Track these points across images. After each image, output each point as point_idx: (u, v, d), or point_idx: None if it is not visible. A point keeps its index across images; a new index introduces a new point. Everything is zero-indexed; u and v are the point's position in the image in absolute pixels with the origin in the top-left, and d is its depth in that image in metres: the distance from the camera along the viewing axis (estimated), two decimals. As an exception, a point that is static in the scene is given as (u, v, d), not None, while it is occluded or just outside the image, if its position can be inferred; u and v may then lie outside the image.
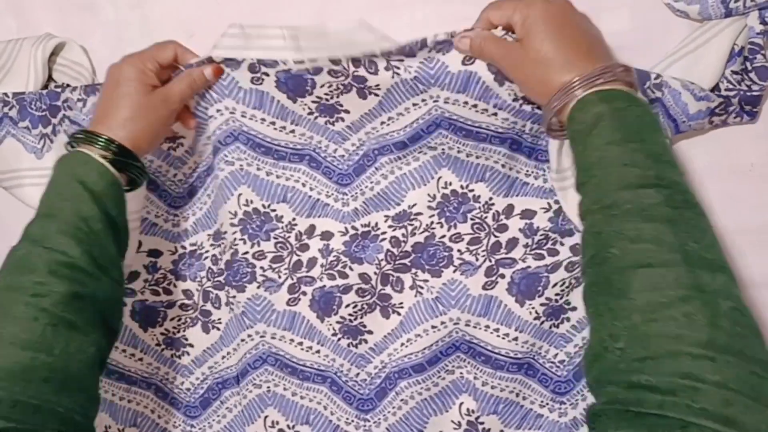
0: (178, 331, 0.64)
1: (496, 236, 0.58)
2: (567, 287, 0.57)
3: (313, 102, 0.58)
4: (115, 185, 0.50)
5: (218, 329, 0.63)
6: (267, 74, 0.57)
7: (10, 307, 0.43)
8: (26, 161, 0.63)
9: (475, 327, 0.58)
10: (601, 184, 0.42)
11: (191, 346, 0.64)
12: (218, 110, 0.59)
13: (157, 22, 0.66)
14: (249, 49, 0.56)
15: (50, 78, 0.65)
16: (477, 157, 0.58)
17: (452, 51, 0.55)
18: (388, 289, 0.60)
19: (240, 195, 0.60)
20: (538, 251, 0.58)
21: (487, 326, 0.59)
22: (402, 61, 0.55)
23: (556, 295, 0.57)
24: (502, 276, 0.58)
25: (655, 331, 0.36)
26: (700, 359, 0.34)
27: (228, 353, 0.63)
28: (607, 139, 0.42)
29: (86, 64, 0.66)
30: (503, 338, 0.58)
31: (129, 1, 0.67)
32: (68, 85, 0.64)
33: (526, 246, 0.58)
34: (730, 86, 0.54)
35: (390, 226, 0.59)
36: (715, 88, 0.54)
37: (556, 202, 0.57)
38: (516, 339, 0.58)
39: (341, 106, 0.59)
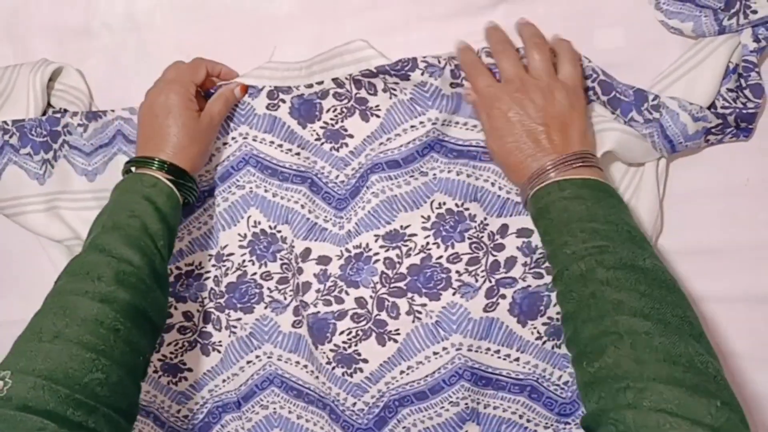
0: (176, 356, 0.63)
1: (494, 255, 0.58)
2: None
3: (321, 128, 0.61)
4: (178, 206, 0.55)
5: (219, 352, 0.63)
6: (283, 100, 0.61)
7: (76, 309, 0.46)
8: (29, 188, 0.63)
9: (476, 351, 0.58)
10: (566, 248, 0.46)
11: (189, 370, 0.63)
12: (233, 138, 0.62)
13: (153, 45, 0.67)
14: (271, 79, 0.61)
15: (48, 103, 0.66)
16: (468, 176, 0.58)
17: (443, 75, 0.58)
18: (383, 315, 0.59)
19: (249, 217, 0.62)
20: (537, 270, 0.58)
21: (488, 348, 0.58)
22: (398, 84, 0.58)
23: (558, 314, 0.57)
24: (503, 297, 0.58)
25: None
26: None
27: (228, 377, 0.63)
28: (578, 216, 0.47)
29: (83, 88, 0.66)
30: (504, 359, 0.58)
31: (125, 26, 0.67)
32: (66, 110, 0.65)
33: (525, 264, 0.58)
34: (726, 104, 0.54)
35: (382, 246, 0.59)
36: (712, 106, 0.54)
37: None
38: (518, 360, 0.58)
39: (346, 130, 0.61)
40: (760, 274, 0.58)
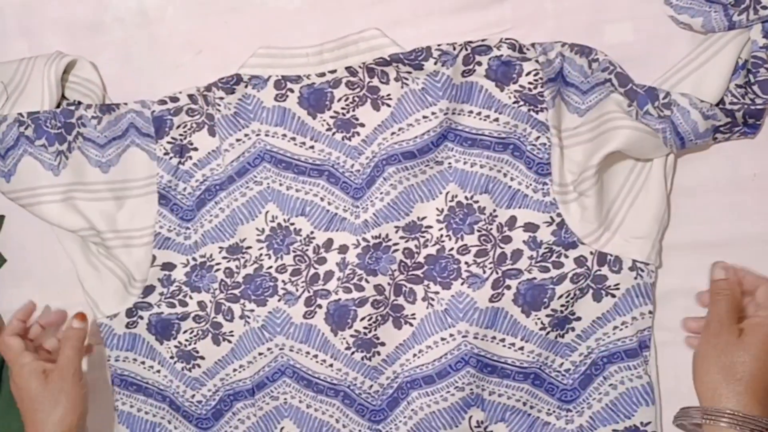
0: (190, 344, 0.65)
1: (501, 247, 0.59)
2: (572, 298, 0.58)
3: (331, 117, 0.62)
4: None
5: (230, 342, 0.64)
6: (292, 90, 0.62)
7: None
8: (44, 179, 0.64)
9: (482, 339, 0.59)
10: None
11: (202, 358, 0.65)
12: (246, 134, 0.63)
13: (164, 40, 0.67)
14: (275, 67, 0.61)
15: (63, 96, 0.66)
16: (481, 167, 0.59)
17: (456, 63, 0.59)
18: (400, 300, 0.61)
19: (267, 212, 0.63)
20: (543, 264, 0.59)
21: (494, 337, 0.59)
22: (410, 73, 0.60)
23: (561, 306, 0.58)
24: (508, 287, 0.59)
25: None
26: None
27: (241, 366, 0.64)
28: None
29: (97, 80, 0.67)
30: (509, 347, 0.59)
31: (136, 21, 0.68)
32: (80, 103, 0.66)
33: (531, 258, 0.59)
34: (735, 100, 0.54)
35: (402, 237, 0.61)
36: (720, 103, 0.55)
37: (559, 215, 0.58)
38: (522, 348, 0.59)
39: (357, 120, 0.61)
40: (766, 267, 0.58)
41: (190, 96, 0.64)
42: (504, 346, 0.60)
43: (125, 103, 0.65)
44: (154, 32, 0.68)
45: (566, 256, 0.58)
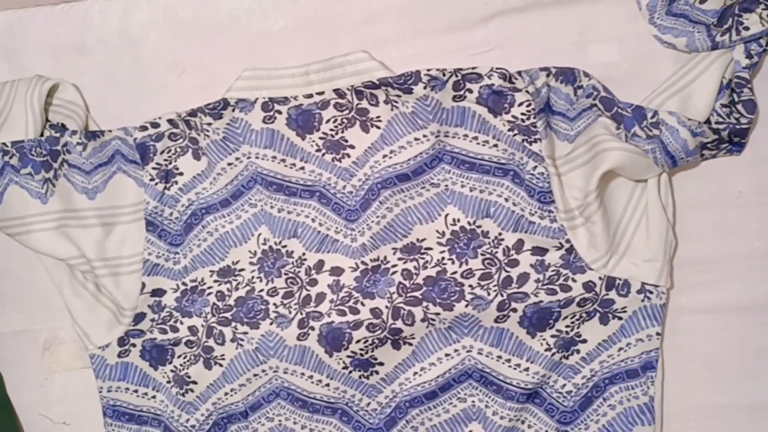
0: (183, 369, 0.64)
1: (507, 271, 0.59)
2: (578, 320, 0.59)
3: (320, 138, 0.62)
4: None
5: (221, 365, 0.64)
6: (279, 111, 0.62)
7: None
8: (32, 207, 0.63)
9: (487, 356, 0.60)
10: None
11: (195, 383, 0.64)
12: (237, 158, 0.63)
13: (149, 61, 0.67)
14: (261, 89, 0.61)
15: (46, 119, 0.66)
16: (481, 191, 0.60)
17: (445, 87, 0.59)
18: (398, 323, 0.60)
19: (260, 235, 0.63)
20: (551, 287, 0.58)
21: (500, 356, 0.60)
22: (400, 96, 0.60)
23: (567, 327, 0.59)
24: (514, 310, 0.59)
25: None
26: None
27: (233, 389, 0.64)
28: None
29: (80, 102, 0.67)
30: (515, 369, 0.60)
31: (120, 42, 0.67)
32: (64, 126, 0.65)
33: (537, 281, 0.58)
34: (720, 119, 0.55)
35: (400, 259, 0.61)
36: (706, 122, 0.55)
37: (568, 241, 0.58)
38: (527, 369, 0.59)
39: (346, 141, 0.62)
40: (751, 284, 0.59)
41: (170, 121, 0.64)
42: (510, 366, 0.60)
43: (110, 130, 0.65)
44: (139, 53, 0.67)
45: (574, 281, 0.58)
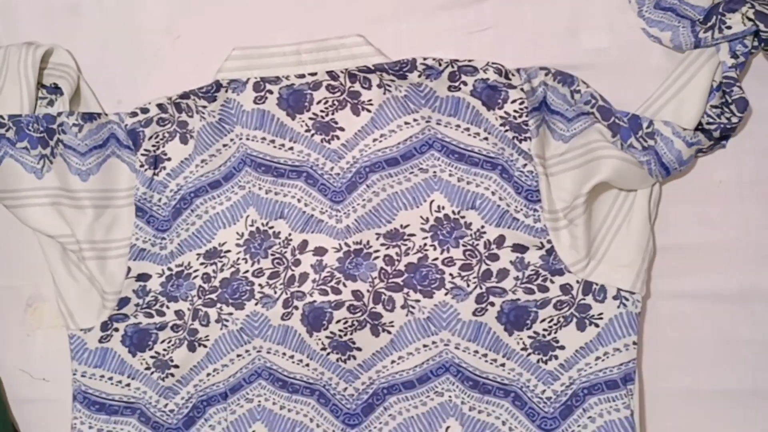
0: (167, 353, 0.64)
1: (487, 264, 0.59)
2: (555, 324, 0.59)
3: (310, 119, 0.62)
4: None
5: (205, 347, 0.64)
6: (271, 91, 0.61)
7: None
8: (26, 181, 0.63)
9: (464, 351, 0.60)
10: None
11: (176, 367, 0.64)
12: (231, 139, 0.63)
13: (142, 27, 0.67)
14: (252, 69, 0.61)
15: (39, 83, 0.66)
16: (468, 183, 0.60)
17: (440, 77, 0.59)
18: (379, 308, 0.61)
19: (248, 216, 0.63)
20: (529, 285, 0.59)
21: (476, 351, 0.60)
22: (393, 81, 0.60)
23: (544, 330, 0.59)
24: (492, 304, 0.59)
25: None
26: None
27: (215, 370, 0.64)
28: None
29: (71, 64, 0.67)
30: (491, 363, 0.60)
31: (115, 6, 0.67)
32: (57, 86, 0.65)
33: (516, 278, 0.59)
34: (711, 120, 0.56)
35: (383, 244, 0.61)
36: (698, 124, 0.56)
37: (549, 242, 0.58)
38: (503, 365, 0.60)
39: (336, 123, 0.62)
40: (726, 273, 0.60)
41: (160, 105, 0.64)
42: (486, 361, 0.60)
43: (106, 114, 0.65)
44: (133, 18, 0.67)
45: (552, 282, 0.58)
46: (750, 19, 0.54)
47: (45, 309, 0.68)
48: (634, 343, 0.58)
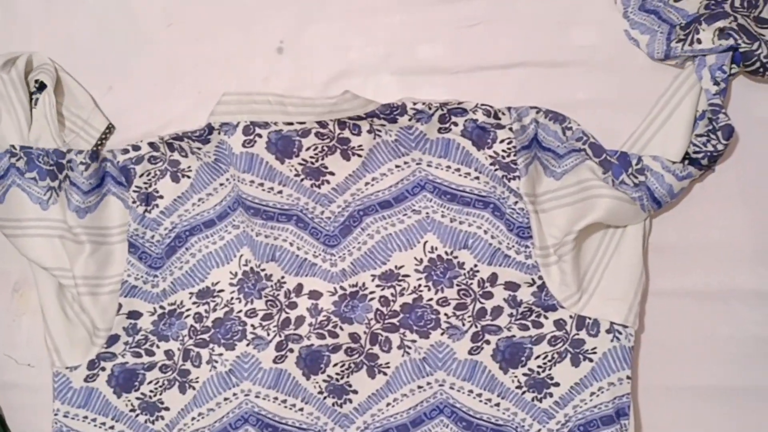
0: (155, 395, 0.63)
1: (481, 303, 0.60)
2: (550, 361, 0.59)
3: (300, 164, 0.62)
4: None
5: (193, 388, 0.63)
6: (260, 135, 0.62)
7: None
8: (30, 212, 0.63)
9: (459, 391, 0.60)
10: None
11: (167, 409, 0.63)
12: (227, 179, 0.63)
13: (139, 10, 0.68)
14: (242, 114, 0.61)
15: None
16: (461, 223, 0.60)
17: (431, 121, 0.60)
18: (376, 349, 0.61)
19: (242, 256, 0.63)
20: (523, 322, 0.59)
21: (471, 390, 0.59)
22: (384, 126, 0.61)
23: (539, 367, 0.59)
24: (488, 342, 0.59)
25: None
26: None
27: (200, 414, 0.63)
28: None
29: (48, 61, 0.66)
30: (486, 403, 0.59)
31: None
32: (43, 84, 0.65)
33: (510, 315, 0.59)
34: (697, 149, 0.56)
35: (378, 286, 0.61)
36: (685, 155, 0.56)
37: (540, 278, 0.59)
38: (498, 405, 0.59)
39: (326, 168, 0.62)
40: (707, 273, 0.60)
41: (151, 144, 0.64)
42: (481, 401, 0.59)
43: (109, 150, 0.65)
44: (128, 2, 0.68)
45: (546, 317, 0.59)
46: (723, 37, 0.55)
47: (32, 295, 0.67)
48: (628, 377, 0.57)
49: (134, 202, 0.64)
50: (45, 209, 0.63)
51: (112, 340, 0.63)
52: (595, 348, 0.58)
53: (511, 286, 0.59)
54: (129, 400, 0.63)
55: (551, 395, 0.59)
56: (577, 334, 0.58)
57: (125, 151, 0.64)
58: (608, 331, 0.58)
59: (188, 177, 0.64)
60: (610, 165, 0.56)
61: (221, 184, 0.64)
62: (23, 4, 0.69)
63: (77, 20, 0.68)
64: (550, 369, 0.59)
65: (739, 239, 0.60)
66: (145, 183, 0.64)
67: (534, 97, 0.61)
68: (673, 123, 0.56)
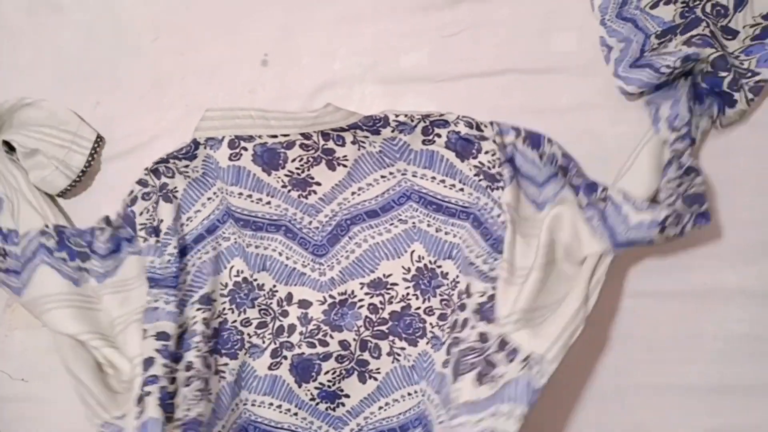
0: (189, 411, 0.61)
1: (457, 314, 0.61)
2: (462, 370, 0.57)
3: (286, 176, 0.63)
4: None
5: (210, 401, 0.62)
6: (245, 148, 0.63)
7: None
8: (62, 286, 0.62)
9: (431, 402, 0.61)
10: None
11: (200, 423, 0.61)
12: (214, 193, 0.64)
13: (127, 22, 0.68)
14: (226, 128, 0.62)
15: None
16: (446, 233, 0.62)
17: (414, 132, 0.61)
18: (366, 355, 0.63)
19: (232, 267, 0.64)
20: (470, 331, 0.59)
21: (437, 404, 0.60)
22: (367, 137, 0.61)
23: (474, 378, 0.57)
24: (453, 354, 0.59)
25: None
26: None
27: (224, 426, 0.63)
28: None
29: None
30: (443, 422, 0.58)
31: (98, 2, 0.68)
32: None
33: (473, 328, 0.59)
34: (670, 193, 0.55)
35: (367, 293, 0.63)
36: (656, 199, 0.56)
37: (494, 288, 0.58)
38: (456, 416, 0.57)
39: (312, 179, 0.63)
40: (690, 273, 0.62)
41: (139, 182, 0.63)
42: (444, 417, 0.58)
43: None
44: (117, 15, 0.68)
45: (473, 328, 0.58)
46: (691, 44, 0.55)
47: (23, 309, 0.68)
48: (524, 414, 0.54)
49: (145, 239, 0.63)
50: (78, 285, 0.63)
51: (148, 363, 0.61)
52: (502, 375, 0.55)
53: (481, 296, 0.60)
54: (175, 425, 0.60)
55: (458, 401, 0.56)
56: (496, 353, 0.56)
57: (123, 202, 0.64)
58: (523, 361, 0.55)
59: (176, 197, 0.64)
60: (578, 188, 0.58)
61: (209, 198, 0.64)
62: (11, 17, 0.68)
63: (65, 33, 0.68)
64: (459, 381, 0.57)
65: (722, 240, 0.61)
66: (148, 219, 0.64)
67: (517, 102, 0.62)
68: (636, 167, 0.57)
